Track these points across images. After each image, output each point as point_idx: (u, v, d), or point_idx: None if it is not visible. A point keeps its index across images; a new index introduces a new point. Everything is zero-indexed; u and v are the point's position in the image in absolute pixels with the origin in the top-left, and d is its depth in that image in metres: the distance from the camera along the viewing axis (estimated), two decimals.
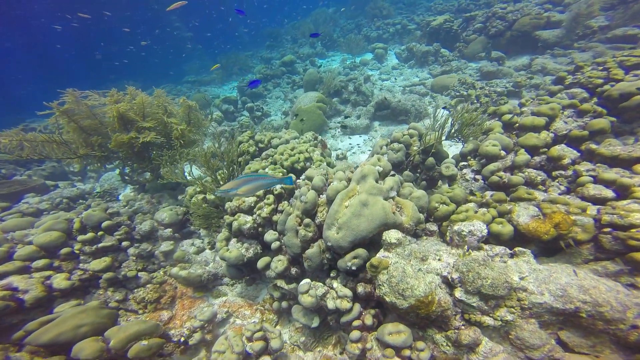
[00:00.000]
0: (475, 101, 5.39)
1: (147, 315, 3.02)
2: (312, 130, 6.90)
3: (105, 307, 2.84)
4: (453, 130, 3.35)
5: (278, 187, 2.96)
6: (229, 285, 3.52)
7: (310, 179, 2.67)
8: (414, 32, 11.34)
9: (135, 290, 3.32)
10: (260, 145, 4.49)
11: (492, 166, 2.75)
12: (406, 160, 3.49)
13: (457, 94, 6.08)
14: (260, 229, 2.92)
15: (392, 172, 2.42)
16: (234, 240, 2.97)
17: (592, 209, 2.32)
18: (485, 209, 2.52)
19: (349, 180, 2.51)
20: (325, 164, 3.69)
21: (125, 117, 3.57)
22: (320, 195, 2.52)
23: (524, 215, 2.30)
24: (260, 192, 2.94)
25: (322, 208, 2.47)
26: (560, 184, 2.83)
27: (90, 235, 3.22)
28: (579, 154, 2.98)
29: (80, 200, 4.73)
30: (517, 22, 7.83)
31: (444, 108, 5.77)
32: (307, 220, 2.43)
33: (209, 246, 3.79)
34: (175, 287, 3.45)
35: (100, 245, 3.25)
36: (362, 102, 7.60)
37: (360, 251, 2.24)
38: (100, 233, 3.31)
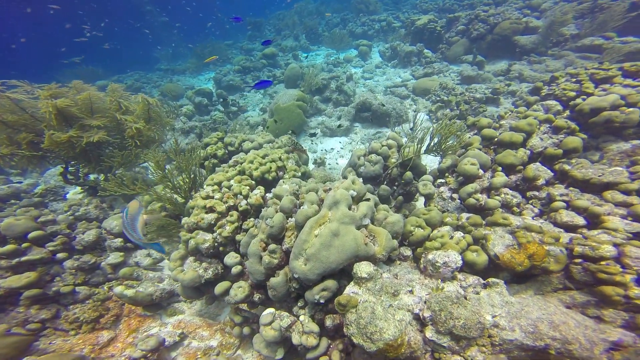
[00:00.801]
0: (455, 108, 5.34)
1: (80, 337, 2.69)
2: (292, 130, 6.61)
3: (13, 334, 2.45)
4: (432, 144, 3.22)
5: (243, 203, 2.69)
6: (187, 302, 3.24)
7: (278, 198, 2.42)
8: (399, 30, 11.18)
9: (71, 307, 2.96)
10: (230, 148, 4.16)
11: (469, 187, 2.65)
12: (384, 173, 3.33)
13: (438, 98, 6.01)
14: (221, 248, 2.66)
15: (367, 197, 2.23)
16: (190, 259, 2.68)
17: (564, 237, 2.28)
18: (461, 234, 2.42)
19: (321, 202, 2.30)
20: (300, 173, 3.45)
21: (66, 114, 3.10)
22: (289, 219, 2.29)
23: (499, 245, 2.22)
24: (223, 207, 2.65)
25: (290, 233, 2.25)
26: (534, 206, 2.79)
27: (9, 247, 2.78)
28: (552, 174, 2.96)
29: (13, 200, 4.15)
30: (498, 25, 7.87)
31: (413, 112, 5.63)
32: (272, 246, 2.20)
33: (168, 256, 3.47)
34: (122, 304, 3.12)
35: (23, 259, 2.83)
36: (343, 102, 7.38)
37: (330, 283, 2.05)
38: (25, 245, 2.88)
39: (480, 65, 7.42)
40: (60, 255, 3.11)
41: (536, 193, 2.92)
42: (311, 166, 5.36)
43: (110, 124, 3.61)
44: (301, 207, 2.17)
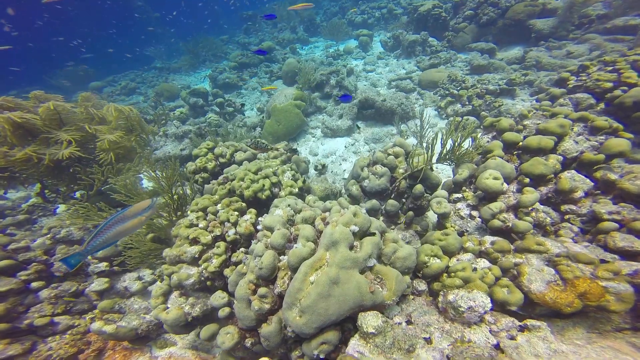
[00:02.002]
0: (467, 103, 4.86)
1: None
2: (290, 132, 6.22)
3: None
4: (445, 152, 2.80)
5: (231, 232, 2.35)
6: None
7: (270, 229, 2.07)
8: (401, 17, 10.52)
9: (49, 339, 2.71)
10: (222, 160, 3.80)
11: (493, 207, 2.25)
12: (391, 186, 2.94)
13: (447, 92, 5.52)
14: (209, 283, 2.33)
15: (372, 230, 1.86)
16: (175, 293, 2.35)
17: (625, 268, 1.88)
18: (486, 264, 2.04)
19: (319, 234, 1.94)
20: (297, 189, 3.08)
21: (28, 127, 2.77)
22: (282, 256, 1.94)
23: (537, 281, 1.83)
24: (209, 238, 2.31)
25: (283, 273, 1.90)
26: (572, 224, 2.38)
27: None
28: (593, 184, 2.53)
29: None
30: (511, 9, 7.24)
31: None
32: (263, 289, 1.86)
33: (160, 278, 3.18)
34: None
35: None
36: None
37: (330, 335, 1.71)
38: None
39: (492, 53, 6.85)
40: (35, 285, 2.84)
41: (573, 207, 2.50)
42: (312, 172, 4.98)
43: (87, 137, 3.27)
44: (295, 246, 1.81)
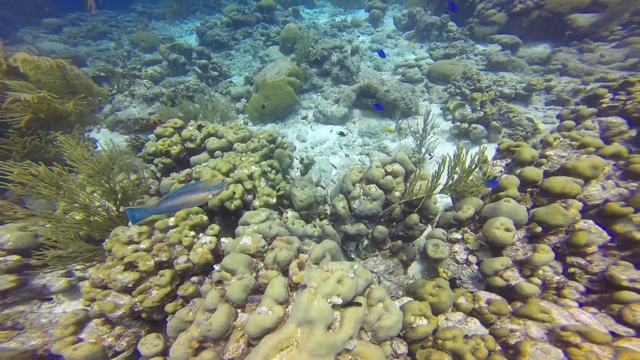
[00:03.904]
0: (479, 109, 4.34)
1: None
2: (279, 111, 5.54)
3: None
4: (450, 183, 2.35)
5: (182, 260, 1.88)
6: None
7: (231, 271, 1.61)
8: None
9: None
10: (190, 145, 3.20)
11: (497, 263, 1.89)
12: (383, 210, 2.52)
13: (458, 91, 4.95)
14: (144, 315, 1.90)
15: (358, 300, 1.45)
16: (96, 321, 1.90)
17: None
18: (478, 330, 1.72)
19: (292, 288, 1.51)
20: (274, 199, 2.59)
21: None
22: (240, 315, 1.51)
23: None
24: (151, 264, 1.85)
25: (239, 334, 1.49)
26: (579, 281, 2.08)
27: None
28: (610, 238, 2.20)
29: None
30: None
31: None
32: (208, 354, 1.46)
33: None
34: None
35: None
36: (344, 79, 6.19)
37: None
38: None
39: (515, 49, 6.18)
40: None
41: (581, 261, 2.19)
42: (297, 164, 4.46)
43: None
44: (258, 310, 1.38)
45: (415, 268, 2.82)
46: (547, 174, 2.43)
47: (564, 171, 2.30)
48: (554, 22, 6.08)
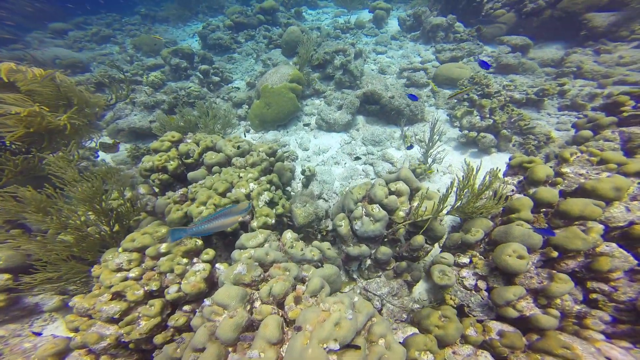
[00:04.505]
0: (488, 116, 4.16)
1: None
2: (280, 118, 5.43)
3: None
4: (459, 205, 2.21)
5: (173, 290, 1.79)
6: None
7: (223, 305, 1.51)
8: None
9: None
10: (188, 160, 3.11)
11: (510, 293, 1.75)
12: (386, 231, 2.38)
13: (467, 96, 4.76)
14: (132, 346, 1.82)
15: (357, 342, 1.33)
16: (78, 352, 1.81)
17: None
18: None
19: (289, 324, 1.40)
20: (274, 220, 2.47)
21: None
22: (231, 358, 1.41)
23: None
24: (140, 294, 1.76)
25: None
26: (604, 309, 1.92)
27: None
28: (637, 263, 2.03)
29: None
30: None
31: (409, 148, 4.39)
32: None
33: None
34: None
35: None
36: (347, 84, 6.05)
37: None
38: None
39: (525, 50, 5.95)
40: None
41: (605, 287, 2.02)
42: (298, 174, 4.35)
43: None
44: (249, 355, 1.28)
45: (420, 287, 2.68)
46: (563, 194, 2.27)
47: (582, 192, 2.13)
48: (567, 22, 5.81)
